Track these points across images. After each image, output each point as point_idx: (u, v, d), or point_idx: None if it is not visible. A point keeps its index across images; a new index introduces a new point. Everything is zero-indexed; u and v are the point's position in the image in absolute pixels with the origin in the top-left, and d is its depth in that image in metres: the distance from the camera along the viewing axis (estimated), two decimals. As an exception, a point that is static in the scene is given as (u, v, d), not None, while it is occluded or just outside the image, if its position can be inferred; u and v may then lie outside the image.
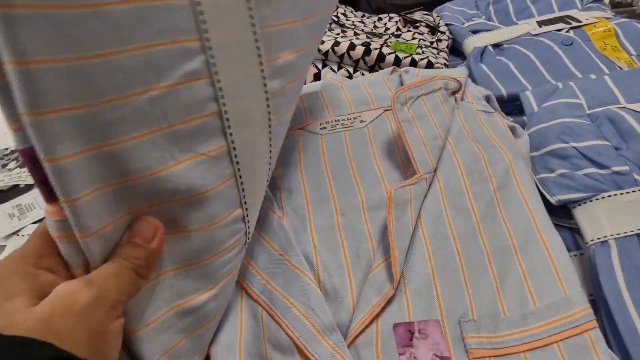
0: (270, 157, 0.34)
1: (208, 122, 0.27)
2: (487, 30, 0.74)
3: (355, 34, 0.71)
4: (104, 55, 0.21)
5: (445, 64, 0.65)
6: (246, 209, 0.32)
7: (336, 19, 0.77)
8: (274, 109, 0.32)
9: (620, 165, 0.42)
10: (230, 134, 0.29)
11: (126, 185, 0.24)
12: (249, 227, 0.33)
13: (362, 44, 0.63)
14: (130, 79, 0.23)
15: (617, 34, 0.64)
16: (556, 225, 0.43)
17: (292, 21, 0.32)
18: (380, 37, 0.70)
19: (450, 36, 0.77)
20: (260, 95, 0.31)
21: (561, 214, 0.43)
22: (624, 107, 0.46)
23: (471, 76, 0.66)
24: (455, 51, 0.77)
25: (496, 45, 0.71)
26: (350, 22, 0.76)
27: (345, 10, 0.80)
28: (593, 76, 0.52)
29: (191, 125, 0.26)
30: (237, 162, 0.30)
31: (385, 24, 0.79)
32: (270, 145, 0.33)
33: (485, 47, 0.71)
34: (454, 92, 0.47)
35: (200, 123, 0.27)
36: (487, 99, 0.49)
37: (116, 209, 0.24)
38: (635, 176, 0.41)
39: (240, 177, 0.30)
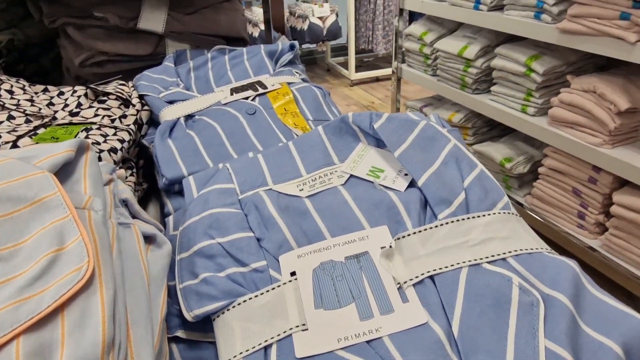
0: None
1: None
2: (183, 100, 0.69)
3: (10, 117, 0.58)
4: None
5: (121, 148, 0.57)
6: None
7: (-4, 99, 0.63)
8: None
9: (259, 260, 0.38)
10: None
11: None
12: None
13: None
14: None
15: (296, 99, 0.66)
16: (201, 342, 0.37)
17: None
18: (42, 119, 0.59)
19: (146, 108, 0.70)
20: None
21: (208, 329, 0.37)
22: (270, 189, 0.44)
23: (156, 155, 0.59)
24: (157, 124, 0.71)
25: (191, 117, 0.67)
26: (15, 102, 0.63)
27: (12, 87, 0.67)
28: (251, 154, 0.49)
29: None
30: None
31: (66, 99, 0.68)
32: None
33: (178, 119, 0.65)
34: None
35: None
36: (125, 203, 0.42)
37: None
38: (272, 272, 0.37)
39: None
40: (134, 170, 0.60)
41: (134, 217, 0.41)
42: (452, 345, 0.30)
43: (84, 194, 0.35)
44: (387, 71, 3.30)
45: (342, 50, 3.65)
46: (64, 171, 0.36)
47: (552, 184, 1.46)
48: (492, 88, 1.58)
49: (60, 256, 0.29)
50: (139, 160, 0.67)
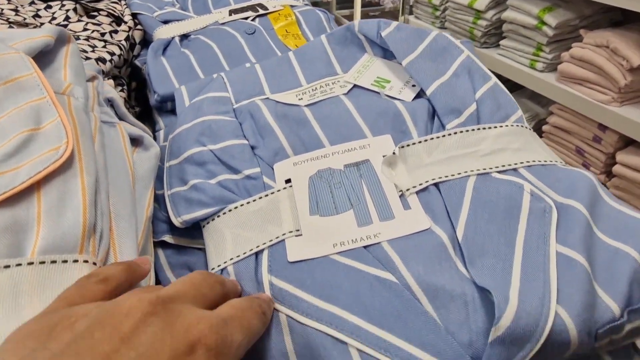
0: None
1: None
2: (178, 20, 0.65)
3: (-8, 23, 0.54)
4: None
5: (110, 59, 0.53)
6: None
7: (-22, 6, 0.59)
8: None
9: (252, 167, 0.35)
10: None
11: None
12: None
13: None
14: None
15: (299, 21, 0.62)
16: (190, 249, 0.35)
17: None
18: (27, 27, 0.55)
19: (139, 27, 0.66)
20: None
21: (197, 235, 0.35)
22: (267, 98, 0.41)
23: (148, 73, 0.56)
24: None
25: (186, 37, 0.63)
26: (-2, 10, 0.59)
27: (-4, -5, 0.63)
28: (248, 65, 0.46)
29: None
30: None
31: (53, 12, 0.64)
32: None
33: (173, 38, 0.62)
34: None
35: None
36: (111, 102, 0.39)
37: None
38: (266, 179, 0.35)
39: None
40: (125, 87, 0.56)
41: (120, 119, 0.39)
42: (456, 250, 0.28)
43: (64, 80, 0.32)
44: (392, 27, 3.19)
45: (347, 2, 3.52)
46: (42, 59, 0.33)
47: (556, 142, 1.44)
48: (502, 42, 1.53)
49: (36, 136, 0.27)
50: (131, 82, 0.63)
